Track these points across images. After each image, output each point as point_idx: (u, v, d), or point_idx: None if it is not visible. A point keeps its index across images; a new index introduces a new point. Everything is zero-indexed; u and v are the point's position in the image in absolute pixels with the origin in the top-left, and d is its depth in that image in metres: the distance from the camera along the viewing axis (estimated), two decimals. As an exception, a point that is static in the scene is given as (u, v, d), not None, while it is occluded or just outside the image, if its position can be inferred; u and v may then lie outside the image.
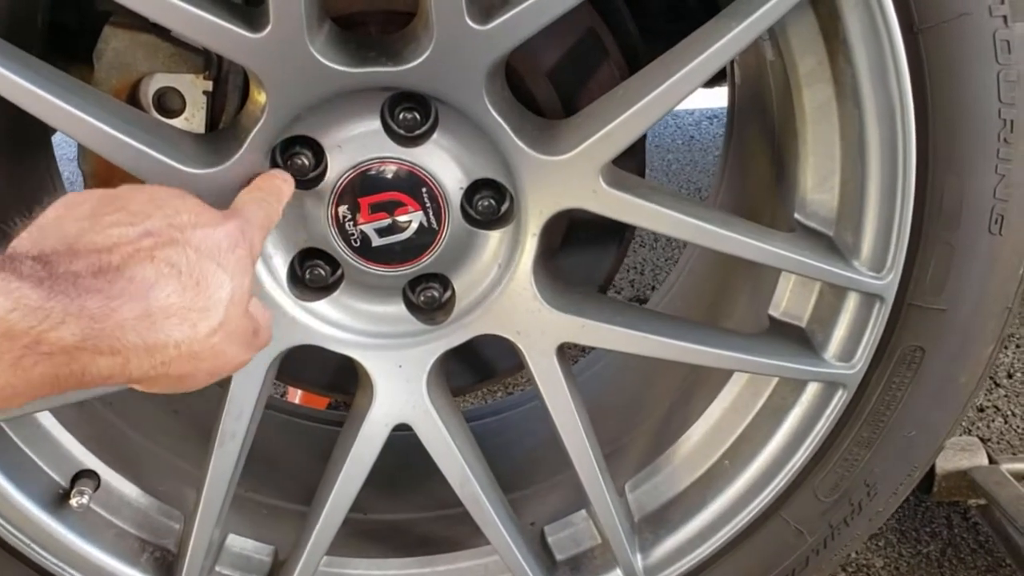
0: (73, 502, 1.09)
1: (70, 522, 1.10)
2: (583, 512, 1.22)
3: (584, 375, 1.44)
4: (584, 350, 1.73)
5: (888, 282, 1.02)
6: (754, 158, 1.24)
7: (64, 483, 1.12)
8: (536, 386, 1.06)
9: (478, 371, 1.30)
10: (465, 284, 1.04)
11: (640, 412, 1.29)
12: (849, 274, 1.02)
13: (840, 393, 1.08)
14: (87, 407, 1.16)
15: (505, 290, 1.02)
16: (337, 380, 1.30)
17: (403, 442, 1.10)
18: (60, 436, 1.12)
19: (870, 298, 1.04)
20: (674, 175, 2.98)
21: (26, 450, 1.09)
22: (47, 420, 1.11)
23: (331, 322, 1.04)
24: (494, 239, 1.02)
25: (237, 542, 1.20)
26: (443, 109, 0.95)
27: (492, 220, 1.01)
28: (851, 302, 1.05)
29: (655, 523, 1.18)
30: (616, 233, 1.23)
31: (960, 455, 1.62)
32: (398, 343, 1.05)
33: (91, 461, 1.14)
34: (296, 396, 1.72)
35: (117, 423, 1.20)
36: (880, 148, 0.97)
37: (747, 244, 0.99)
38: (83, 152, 1.06)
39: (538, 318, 1.03)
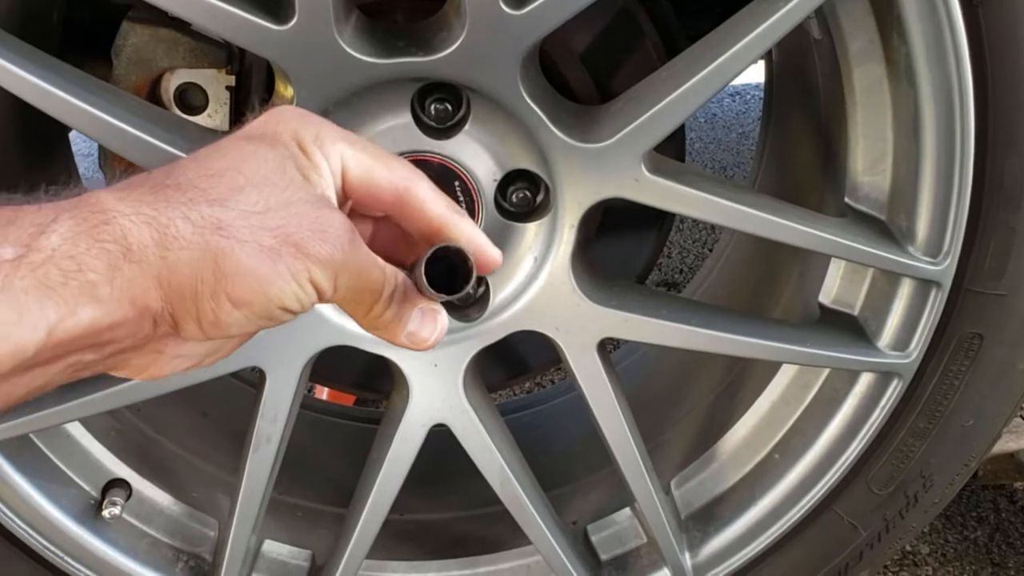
0: (105, 513, 1.06)
1: (103, 533, 1.07)
2: (627, 510, 1.19)
3: (620, 366, 1.40)
4: (619, 340, 1.70)
5: (945, 267, 0.98)
6: (797, 141, 1.20)
7: (95, 493, 1.09)
8: (576, 383, 1.02)
9: (511, 367, 1.27)
10: (500, 279, 1.00)
11: (683, 405, 1.26)
12: (903, 260, 0.97)
13: (895, 383, 1.05)
14: (116, 415, 1.13)
15: (542, 285, 0.99)
16: (367, 378, 1.27)
17: (438, 438, 1.07)
18: (90, 446, 1.09)
19: (926, 284, 1.00)
20: (697, 154, 2.93)
21: (56, 461, 1.07)
22: (76, 430, 1.09)
23: (364, 321, 1.01)
24: (530, 232, 0.98)
25: (273, 548, 1.18)
26: (476, 99, 0.91)
27: (527, 212, 0.97)
28: (906, 289, 1.01)
29: (703, 520, 1.15)
30: (654, 220, 1.19)
31: (1006, 437, 1.57)
32: (433, 341, 1.02)
33: (122, 470, 1.11)
34: (323, 393, 1.70)
35: (147, 430, 1.17)
36: (936, 128, 0.92)
37: (797, 230, 0.95)
38: (104, 153, 1.03)
39: (578, 313, 0.99)
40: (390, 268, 0.64)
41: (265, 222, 0.58)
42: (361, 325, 0.65)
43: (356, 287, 0.61)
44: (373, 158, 0.65)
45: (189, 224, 0.56)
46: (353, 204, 0.68)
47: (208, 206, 0.57)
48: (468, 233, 0.67)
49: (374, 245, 0.66)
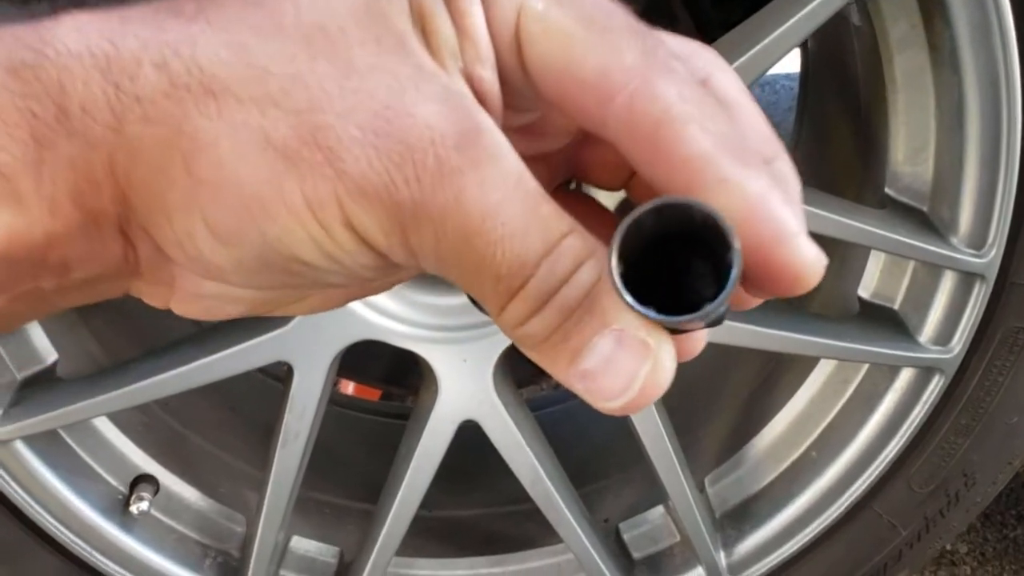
0: (133, 508, 1.06)
1: (130, 528, 1.07)
2: (660, 508, 1.17)
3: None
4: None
5: (989, 260, 0.95)
6: (834, 131, 1.17)
7: (123, 489, 1.08)
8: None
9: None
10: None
11: (717, 401, 1.24)
12: (946, 252, 0.95)
13: (936, 379, 1.02)
14: (144, 410, 1.13)
15: (574, 277, 0.97)
16: (395, 373, 1.26)
17: (468, 434, 1.05)
18: (117, 441, 1.09)
19: (969, 277, 0.97)
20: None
21: (84, 456, 1.06)
22: (104, 425, 1.08)
23: (393, 316, 1.00)
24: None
25: (301, 544, 1.16)
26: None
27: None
28: (948, 282, 0.99)
29: (739, 519, 1.13)
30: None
31: (1047, 434, 1.54)
32: (462, 336, 1.01)
33: (150, 465, 1.10)
34: (349, 387, 1.69)
35: (175, 425, 1.16)
36: (981, 116, 0.90)
37: (836, 222, 0.93)
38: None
39: (611, 306, 0.97)
40: (572, 238, 0.33)
41: (294, 96, 0.32)
42: (500, 328, 0.35)
43: (464, 257, 0.33)
44: (581, 24, 0.34)
45: (165, 76, 0.32)
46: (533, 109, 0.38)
47: (206, 45, 0.32)
48: (757, 198, 0.32)
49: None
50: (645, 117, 0.33)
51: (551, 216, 0.33)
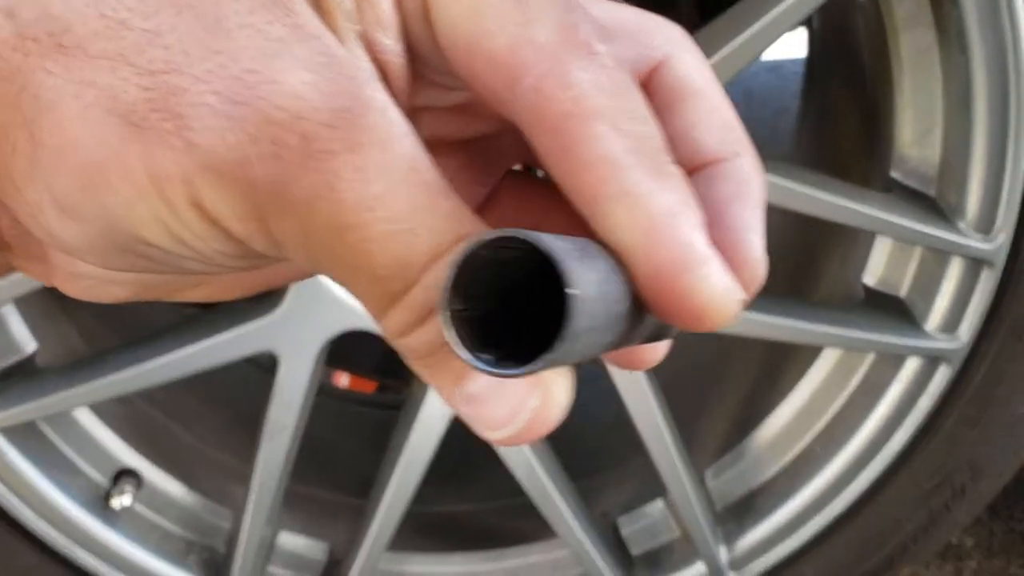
0: (115, 502, 1.03)
1: (113, 523, 1.04)
2: (659, 502, 1.14)
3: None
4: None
5: (997, 245, 0.92)
6: (839, 113, 1.14)
7: (105, 483, 1.06)
8: (605, 369, 0.98)
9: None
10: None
11: (718, 392, 1.21)
12: (953, 237, 0.92)
13: (943, 368, 0.99)
14: (127, 402, 1.10)
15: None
16: (388, 364, 1.23)
17: (462, 427, 1.02)
18: (99, 433, 1.06)
19: (977, 263, 0.94)
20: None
21: (65, 449, 1.03)
22: (85, 417, 1.05)
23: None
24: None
25: (289, 540, 1.14)
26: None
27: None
28: (955, 268, 0.96)
29: (740, 513, 1.10)
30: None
31: (1054, 426, 1.52)
32: (455, 326, 0.98)
33: (133, 459, 1.08)
34: (344, 379, 1.66)
35: (158, 417, 1.14)
36: (989, 97, 0.87)
37: (840, 206, 0.90)
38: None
39: (607, 294, 0.94)
40: (469, 221, 0.29)
41: (150, 54, 0.28)
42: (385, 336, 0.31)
43: (336, 253, 0.28)
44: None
45: (13, 25, 0.28)
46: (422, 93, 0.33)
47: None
48: (660, 217, 0.28)
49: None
50: (552, 106, 0.28)
51: (449, 214, 0.28)
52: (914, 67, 0.92)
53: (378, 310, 0.29)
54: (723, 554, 1.08)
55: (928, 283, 0.98)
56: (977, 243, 0.92)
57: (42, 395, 0.95)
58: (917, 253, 1.00)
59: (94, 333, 1.09)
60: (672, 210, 0.28)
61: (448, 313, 0.26)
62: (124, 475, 1.06)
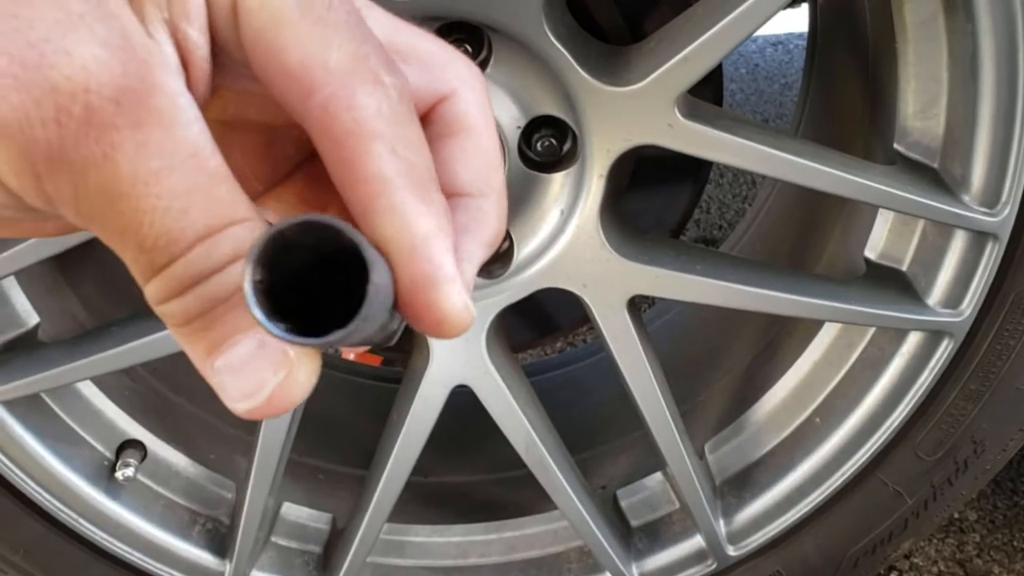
0: (119, 474, 1.04)
1: (117, 495, 1.05)
2: (658, 475, 1.14)
3: (654, 325, 1.35)
4: (653, 298, 1.64)
5: (1002, 219, 0.91)
6: (843, 84, 1.13)
7: (109, 455, 1.06)
8: (604, 342, 0.97)
9: (539, 326, 1.22)
10: (524, 233, 0.95)
11: (719, 366, 1.21)
12: (957, 210, 0.91)
13: (945, 343, 0.98)
14: (131, 374, 1.10)
15: (569, 239, 0.94)
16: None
17: (462, 399, 1.02)
18: (103, 406, 1.07)
19: (981, 237, 0.93)
20: (738, 105, 2.84)
21: (69, 422, 1.04)
22: (89, 390, 1.06)
23: (383, 278, 0.96)
24: (556, 183, 0.93)
25: (292, 510, 1.15)
26: (497, 39, 0.86)
27: (553, 162, 0.92)
28: (959, 242, 0.95)
29: (739, 486, 1.10)
30: (690, 171, 1.13)
31: (1061, 400, 1.50)
32: (455, 299, 0.97)
33: (136, 431, 1.08)
34: (350, 353, 1.66)
35: (162, 390, 1.14)
36: (996, 67, 0.85)
37: (842, 179, 0.89)
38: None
39: (607, 269, 0.94)
40: (240, 227, 0.32)
41: None
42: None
43: (106, 218, 0.31)
44: (297, 9, 0.32)
45: None
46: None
47: None
48: (421, 237, 0.33)
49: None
50: (336, 124, 0.32)
51: (224, 199, 0.31)
52: (918, 36, 0.90)
53: (142, 277, 0.32)
54: (722, 527, 1.08)
55: (931, 257, 0.97)
56: (982, 216, 0.91)
57: (45, 368, 0.95)
58: (920, 227, 0.99)
59: (97, 306, 1.09)
60: (431, 233, 0.32)
61: (251, 282, 0.29)
62: (128, 447, 1.07)
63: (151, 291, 0.32)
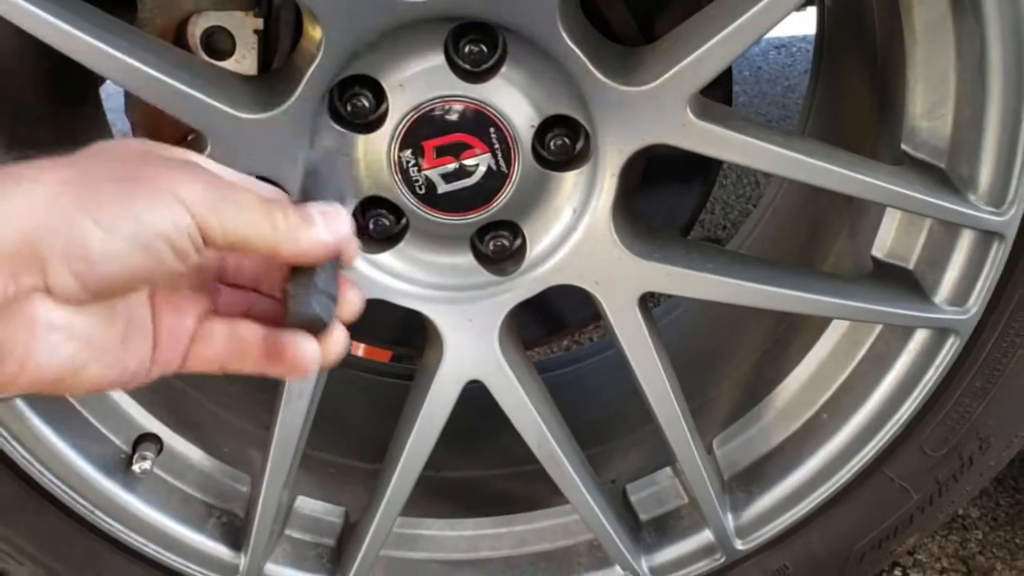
0: (136, 467, 1.05)
1: (134, 488, 1.06)
2: (667, 470, 1.16)
3: (663, 321, 1.36)
4: (662, 295, 1.66)
5: (1009, 218, 0.92)
6: (850, 85, 1.14)
7: (126, 448, 1.08)
8: (616, 339, 0.99)
9: (550, 323, 1.24)
10: (537, 231, 0.96)
11: (728, 363, 1.22)
12: (964, 209, 0.92)
13: (952, 340, 1.00)
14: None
15: (581, 237, 0.95)
16: (402, 333, 1.24)
17: (474, 394, 1.04)
18: (120, 400, 1.08)
19: (987, 236, 0.94)
20: (741, 108, 2.85)
21: (87, 415, 1.05)
22: (106, 383, 1.07)
23: (397, 275, 0.98)
24: (569, 181, 0.94)
25: (306, 504, 1.16)
26: (512, 39, 0.87)
27: (567, 160, 0.93)
28: (966, 240, 0.96)
29: (747, 481, 1.12)
30: (700, 169, 1.14)
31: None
32: (467, 296, 0.99)
33: (153, 424, 1.10)
34: (359, 349, 1.68)
35: (178, 384, 1.15)
36: (1004, 68, 0.87)
37: (850, 178, 0.90)
38: (129, 100, 1.00)
39: (618, 266, 0.95)
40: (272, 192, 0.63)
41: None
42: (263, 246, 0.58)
43: (239, 220, 0.56)
44: None
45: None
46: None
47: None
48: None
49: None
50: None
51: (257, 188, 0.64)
52: (927, 37, 0.92)
53: (266, 234, 0.58)
54: (730, 522, 1.10)
55: (938, 255, 0.99)
56: (988, 215, 0.92)
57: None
58: (927, 225, 1.00)
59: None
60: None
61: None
62: (144, 440, 1.08)
63: (272, 228, 0.58)
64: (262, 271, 0.66)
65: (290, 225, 0.58)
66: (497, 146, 0.91)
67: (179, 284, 0.62)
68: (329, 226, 0.59)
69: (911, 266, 1.02)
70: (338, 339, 0.62)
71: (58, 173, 0.54)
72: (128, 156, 0.58)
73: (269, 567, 1.12)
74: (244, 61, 0.98)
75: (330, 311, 0.61)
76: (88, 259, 0.52)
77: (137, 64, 0.82)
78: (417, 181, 0.92)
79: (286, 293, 0.60)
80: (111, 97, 1.24)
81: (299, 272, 0.60)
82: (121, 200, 0.53)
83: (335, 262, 0.62)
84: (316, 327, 0.60)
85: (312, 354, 0.60)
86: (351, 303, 0.63)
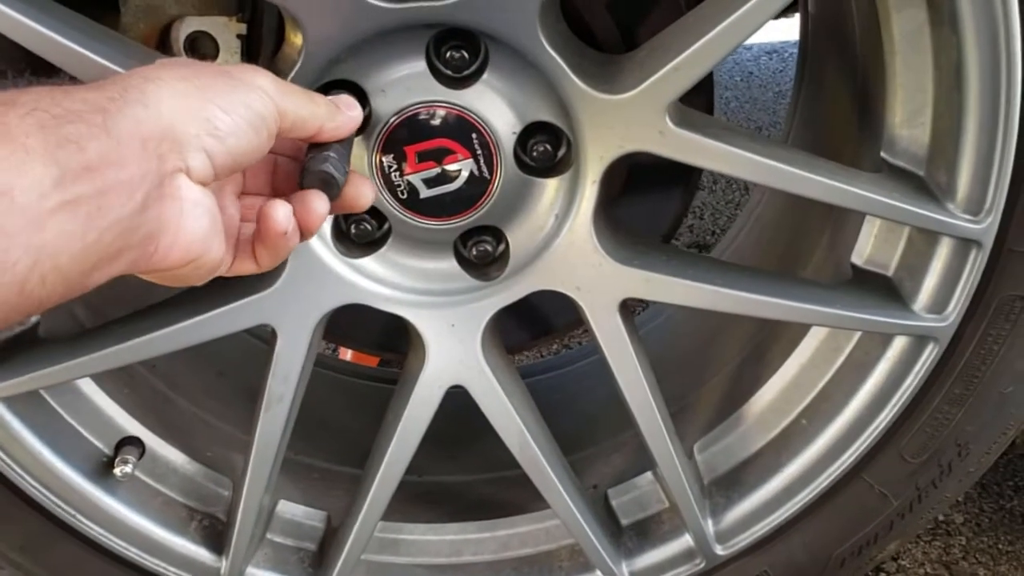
0: (117, 471, 1.05)
1: (115, 491, 1.06)
2: (649, 475, 1.16)
3: (646, 327, 1.37)
4: (644, 301, 1.66)
5: (986, 226, 0.93)
6: (832, 93, 1.15)
7: (108, 451, 1.08)
8: (597, 344, 0.99)
9: (534, 328, 1.24)
10: (520, 237, 0.97)
11: (708, 368, 1.22)
12: (942, 217, 0.93)
13: (930, 347, 1.00)
14: (130, 372, 1.12)
15: (563, 243, 0.96)
16: (388, 339, 1.25)
17: (457, 399, 1.04)
18: (102, 403, 1.08)
19: (965, 244, 0.95)
20: (732, 113, 2.86)
21: (68, 418, 1.05)
22: (88, 387, 1.07)
23: (379, 279, 0.98)
24: (551, 187, 0.95)
25: (288, 508, 1.16)
26: (493, 46, 0.87)
27: (548, 167, 0.94)
28: (944, 248, 0.97)
29: (727, 486, 1.12)
30: (682, 177, 1.15)
31: (1046, 405, 1.52)
32: (450, 301, 0.99)
33: (135, 428, 1.10)
34: (348, 354, 1.68)
35: (161, 388, 1.16)
36: (980, 78, 0.87)
37: (831, 187, 0.91)
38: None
39: (599, 272, 0.96)
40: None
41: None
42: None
43: (299, 104, 0.72)
44: None
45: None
46: None
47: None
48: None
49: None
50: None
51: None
52: (906, 48, 0.92)
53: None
54: (710, 526, 1.10)
55: (916, 263, 0.99)
56: (966, 224, 0.93)
57: (45, 365, 0.96)
58: (905, 233, 1.00)
59: (96, 304, 1.11)
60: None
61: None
62: (126, 444, 1.08)
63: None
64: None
65: (329, 109, 0.75)
66: (479, 152, 0.91)
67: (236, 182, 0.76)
68: (351, 109, 0.77)
69: (890, 273, 1.02)
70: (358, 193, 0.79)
71: (174, 71, 0.65)
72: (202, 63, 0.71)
73: (250, 571, 1.12)
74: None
75: (342, 174, 0.75)
76: (217, 135, 0.64)
77: (119, 69, 0.82)
78: (399, 186, 0.92)
79: (306, 159, 0.75)
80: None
81: (316, 146, 0.76)
82: (229, 90, 0.66)
83: (347, 145, 0.78)
84: (329, 183, 0.74)
85: (323, 208, 0.73)
86: (360, 185, 0.79)
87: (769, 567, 1.14)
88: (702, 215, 2.37)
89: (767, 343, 1.16)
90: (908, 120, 0.95)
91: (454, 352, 1.00)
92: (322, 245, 0.95)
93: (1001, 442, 1.07)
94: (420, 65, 0.88)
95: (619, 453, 1.21)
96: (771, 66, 3.15)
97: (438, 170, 0.92)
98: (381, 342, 1.32)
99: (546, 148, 0.92)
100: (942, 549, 1.51)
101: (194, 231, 0.64)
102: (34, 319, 1.02)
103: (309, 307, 0.97)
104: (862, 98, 1.03)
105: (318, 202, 0.73)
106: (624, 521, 1.17)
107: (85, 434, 1.06)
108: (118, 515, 1.06)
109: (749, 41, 3.19)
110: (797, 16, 1.35)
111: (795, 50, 3.22)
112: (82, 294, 0.60)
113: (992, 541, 1.52)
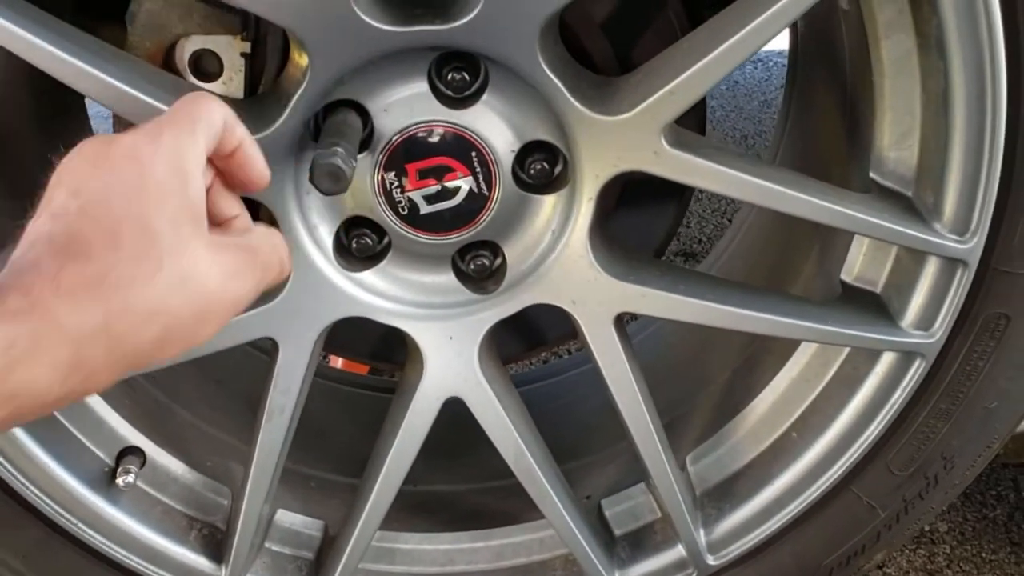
0: (119, 480, 1.06)
1: (116, 500, 1.07)
2: (642, 485, 1.18)
3: (637, 338, 1.39)
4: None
5: (972, 246, 0.95)
6: (822, 114, 1.17)
7: (109, 461, 1.09)
8: (592, 357, 1.01)
9: (528, 339, 1.26)
10: (517, 252, 0.99)
11: (700, 380, 1.24)
12: (930, 237, 0.95)
13: (918, 363, 1.03)
14: (131, 383, 1.13)
15: (559, 258, 0.97)
16: (381, 349, 1.26)
17: (452, 409, 1.06)
18: (104, 413, 1.09)
19: (952, 263, 0.97)
20: (718, 122, 2.89)
21: (70, 428, 1.06)
22: (91, 398, 1.08)
23: (379, 293, 1.00)
24: (547, 204, 0.97)
25: (287, 517, 1.18)
26: (493, 68, 0.89)
27: (545, 184, 0.96)
28: (931, 267, 0.99)
29: (719, 497, 1.14)
30: (674, 194, 1.17)
31: (1029, 416, 1.55)
32: (448, 314, 1.01)
33: (136, 438, 1.11)
34: (338, 362, 1.69)
35: (162, 398, 1.17)
36: (966, 102, 0.89)
37: (819, 206, 0.93)
38: (118, 121, 1.02)
39: (595, 287, 0.98)
40: None
41: None
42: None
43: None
44: None
45: None
46: None
47: None
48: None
49: None
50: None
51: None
52: (894, 72, 0.95)
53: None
54: (702, 537, 1.12)
55: (904, 281, 1.01)
56: (952, 243, 0.95)
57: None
58: (894, 251, 1.03)
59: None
60: None
61: None
62: (128, 453, 1.09)
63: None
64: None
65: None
66: (478, 169, 0.93)
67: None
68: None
69: (879, 290, 1.04)
70: None
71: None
72: None
73: (249, 579, 1.13)
74: (231, 84, 1.00)
75: (350, 167, 0.79)
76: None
77: (124, 86, 0.84)
78: (400, 202, 0.94)
79: (314, 154, 0.78)
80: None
81: (324, 141, 0.79)
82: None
83: (354, 139, 0.83)
84: (338, 176, 0.78)
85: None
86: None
87: (759, 577, 1.16)
88: (689, 223, 2.39)
89: (758, 356, 1.18)
90: (897, 142, 0.97)
91: (452, 364, 1.02)
92: (323, 259, 0.97)
93: (986, 455, 1.10)
94: (422, 86, 0.90)
95: (614, 463, 1.22)
96: (756, 75, 3.17)
97: (438, 187, 0.94)
98: (373, 352, 1.33)
99: (543, 166, 0.94)
100: (926, 558, 1.53)
101: None
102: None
103: (311, 320, 0.98)
104: (851, 118, 1.05)
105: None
106: (617, 531, 1.18)
107: (88, 444, 1.07)
108: (119, 524, 1.07)
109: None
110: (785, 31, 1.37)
111: (780, 59, 3.24)
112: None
113: (976, 550, 1.55)
